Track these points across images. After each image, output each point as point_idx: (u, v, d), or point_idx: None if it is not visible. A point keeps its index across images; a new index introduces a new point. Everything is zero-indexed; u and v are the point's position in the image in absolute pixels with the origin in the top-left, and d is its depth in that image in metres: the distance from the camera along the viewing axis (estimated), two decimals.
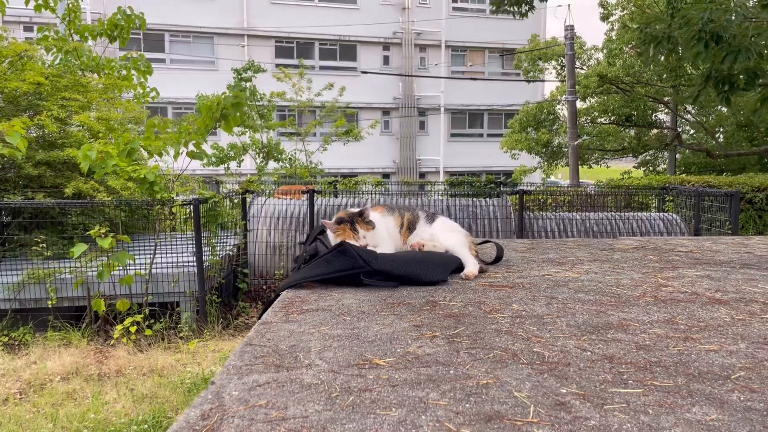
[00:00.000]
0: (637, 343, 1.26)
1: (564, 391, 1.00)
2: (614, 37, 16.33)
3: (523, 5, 8.56)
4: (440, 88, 23.46)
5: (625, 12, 15.93)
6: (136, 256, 6.07)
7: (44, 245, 6.25)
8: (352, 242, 1.89)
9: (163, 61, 20.26)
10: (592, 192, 10.09)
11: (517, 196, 7.80)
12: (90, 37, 7.14)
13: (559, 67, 18.39)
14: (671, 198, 8.98)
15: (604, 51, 16.96)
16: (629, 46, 14.68)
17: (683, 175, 15.69)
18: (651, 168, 21.03)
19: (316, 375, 1.07)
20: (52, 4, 6.42)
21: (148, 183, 5.71)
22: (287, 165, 13.62)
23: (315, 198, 7.85)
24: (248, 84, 13.43)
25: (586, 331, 1.34)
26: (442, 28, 23.44)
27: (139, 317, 5.69)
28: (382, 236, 2.01)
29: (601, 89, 16.50)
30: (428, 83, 23.48)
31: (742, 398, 0.98)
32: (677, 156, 19.71)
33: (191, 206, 6.49)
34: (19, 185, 6.95)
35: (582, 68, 18.02)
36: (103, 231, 5.34)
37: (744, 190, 9.80)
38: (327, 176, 14.76)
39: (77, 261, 5.93)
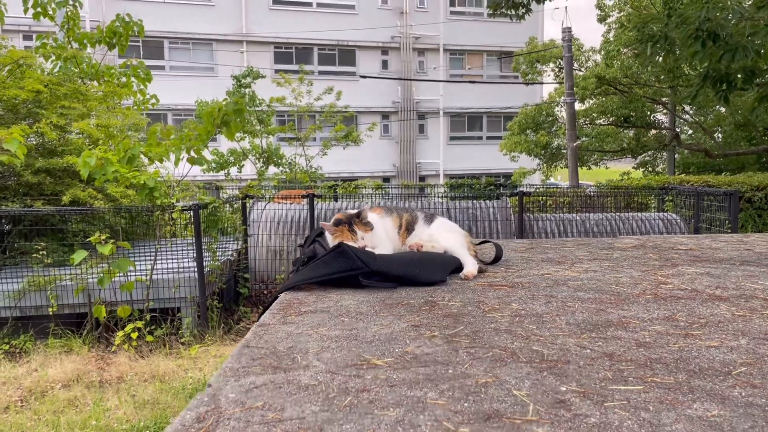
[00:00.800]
0: (637, 341, 1.25)
1: (564, 388, 0.99)
2: (612, 39, 16.36)
3: (520, 8, 8.60)
4: (439, 91, 23.50)
5: (622, 14, 15.96)
6: (136, 263, 6.05)
7: (44, 252, 6.25)
8: (351, 243, 1.88)
9: (162, 68, 20.31)
10: (592, 193, 10.08)
11: (517, 197, 7.80)
12: (89, 45, 7.13)
13: (557, 69, 18.41)
14: (671, 198, 8.98)
15: (602, 52, 16.99)
16: (627, 47, 14.71)
17: (682, 175, 15.69)
18: (650, 168, 21.03)
19: (314, 376, 1.06)
20: (50, 12, 6.43)
21: (148, 189, 5.71)
22: (287, 170, 13.63)
23: (315, 202, 7.85)
24: (247, 90, 13.45)
25: (586, 329, 1.34)
26: (440, 32, 23.50)
27: (140, 323, 5.67)
28: (381, 237, 2.00)
29: (600, 91, 16.53)
30: (427, 87, 23.52)
31: (743, 394, 0.97)
32: (676, 156, 19.72)
33: (191, 212, 6.49)
34: (19, 193, 6.95)
35: (580, 70, 18.05)
36: (103, 238, 5.33)
37: (743, 190, 9.79)
38: (327, 180, 14.78)
39: (78, 268, 5.93)
